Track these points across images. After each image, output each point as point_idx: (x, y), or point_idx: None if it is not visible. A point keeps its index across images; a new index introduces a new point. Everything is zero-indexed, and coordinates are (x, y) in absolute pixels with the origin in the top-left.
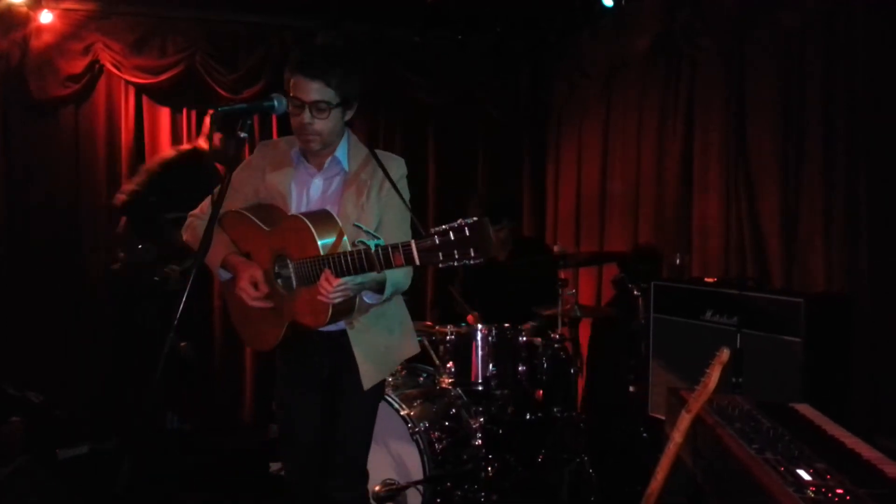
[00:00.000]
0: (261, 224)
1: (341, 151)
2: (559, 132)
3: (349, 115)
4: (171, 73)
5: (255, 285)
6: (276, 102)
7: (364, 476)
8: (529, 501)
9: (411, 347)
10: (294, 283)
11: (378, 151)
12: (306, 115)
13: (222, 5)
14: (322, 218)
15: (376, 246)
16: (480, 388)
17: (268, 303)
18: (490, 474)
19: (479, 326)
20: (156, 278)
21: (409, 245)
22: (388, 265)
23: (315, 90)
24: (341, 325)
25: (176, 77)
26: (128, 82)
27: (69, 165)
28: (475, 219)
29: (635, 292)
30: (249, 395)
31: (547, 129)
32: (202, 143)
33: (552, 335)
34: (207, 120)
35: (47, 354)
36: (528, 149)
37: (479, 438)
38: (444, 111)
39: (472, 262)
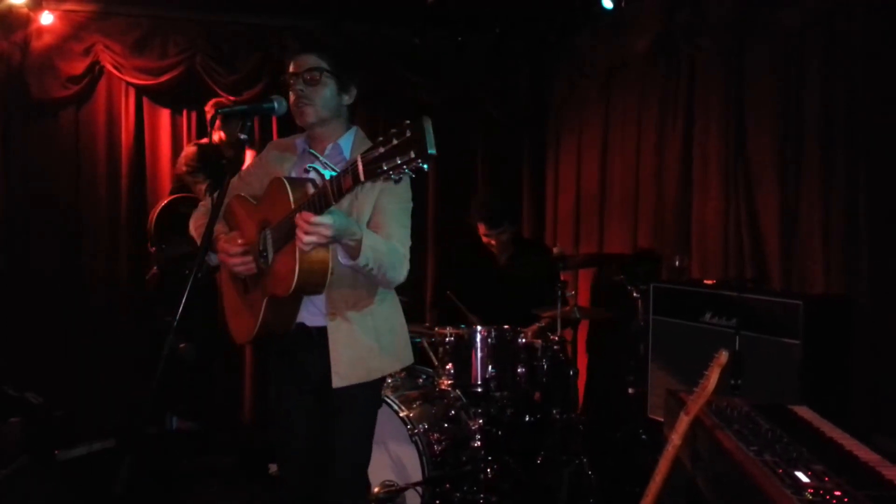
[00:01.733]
0: (251, 200)
1: (345, 141)
2: (559, 132)
3: (347, 99)
4: (172, 75)
5: (234, 243)
6: (275, 104)
7: (362, 486)
8: (528, 503)
9: (401, 358)
10: (272, 249)
11: None
12: (299, 84)
13: (222, 6)
14: (299, 179)
15: (330, 176)
16: (480, 389)
17: (248, 257)
18: (489, 476)
19: (479, 328)
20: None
21: (355, 162)
22: (341, 192)
23: (308, 61)
24: (322, 321)
25: (176, 78)
26: (128, 83)
27: (69, 166)
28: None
29: (634, 294)
30: (249, 395)
31: (546, 130)
32: (215, 137)
33: (551, 337)
34: (210, 111)
35: (47, 355)
36: (527, 149)
37: (479, 440)
38: (443, 111)
39: (413, 167)
